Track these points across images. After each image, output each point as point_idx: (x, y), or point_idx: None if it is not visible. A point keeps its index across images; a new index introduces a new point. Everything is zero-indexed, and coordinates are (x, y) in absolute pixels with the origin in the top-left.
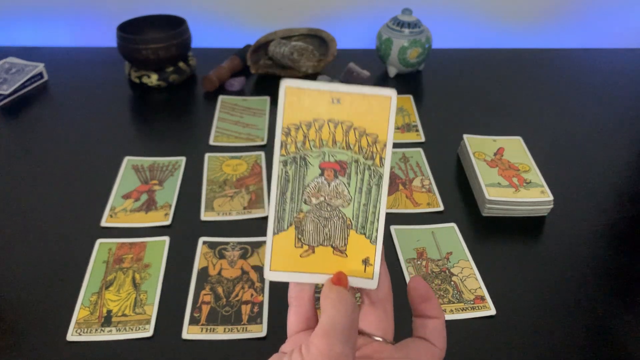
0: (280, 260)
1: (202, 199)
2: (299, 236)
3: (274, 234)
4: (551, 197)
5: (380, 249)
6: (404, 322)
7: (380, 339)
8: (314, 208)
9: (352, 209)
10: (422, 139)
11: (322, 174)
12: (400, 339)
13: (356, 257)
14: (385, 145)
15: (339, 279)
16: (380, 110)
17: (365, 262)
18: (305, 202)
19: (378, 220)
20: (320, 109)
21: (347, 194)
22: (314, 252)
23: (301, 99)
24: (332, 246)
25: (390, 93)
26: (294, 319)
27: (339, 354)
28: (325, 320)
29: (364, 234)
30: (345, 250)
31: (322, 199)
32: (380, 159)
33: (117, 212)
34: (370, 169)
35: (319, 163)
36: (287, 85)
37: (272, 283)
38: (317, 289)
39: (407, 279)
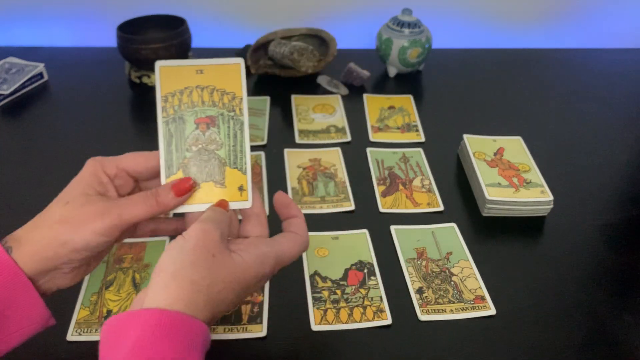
0: None
1: None
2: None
3: (167, 177)
4: (551, 197)
5: (250, 176)
6: None
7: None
8: (195, 154)
9: (225, 151)
10: (422, 139)
11: (197, 128)
12: None
13: (233, 186)
14: (241, 99)
15: (220, 204)
16: (233, 74)
17: (241, 188)
18: (187, 150)
19: (245, 155)
20: (189, 79)
21: (219, 139)
22: (200, 187)
23: (173, 74)
24: (213, 181)
25: (239, 61)
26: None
27: (209, 235)
28: (202, 217)
29: (237, 167)
30: (224, 182)
31: (200, 146)
32: (240, 109)
33: None
34: (233, 118)
35: (193, 119)
36: (160, 66)
37: (272, 284)
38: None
39: (408, 280)
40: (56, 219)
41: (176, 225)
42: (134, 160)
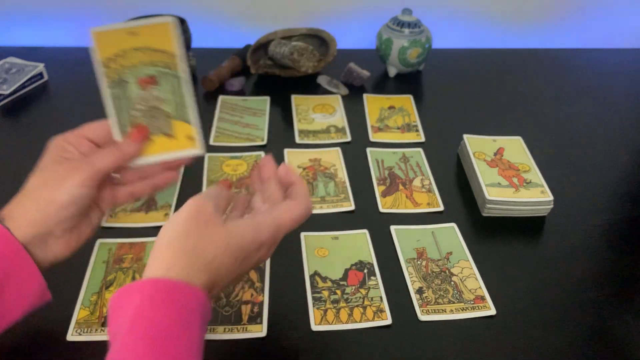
0: None
1: None
2: None
3: (120, 135)
4: (551, 197)
5: (197, 126)
6: None
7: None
8: (143, 112)
9: (170, 106)
10: (422, 139)
11: (141, 88)
12: None
13: (182, 136)
14: (178, 57)
15: (222, 183)
16: (165, 34)
17: (189, 137)
18: (135, 110)
19: (188, 108)
20: (123, 42)
21: (163, 97)
22: (151, 140)
23: (107, 39)
24: (162, 133)
25: (167, 19)
26: None
27: (201, 207)
28: (200, 192)
29: (182, 119)
30: (173, 133)
31: (146, 104)
32: (177, 66)
33: (117, 212)
34: (174, 76)
35: (135, 81)
36: (93, 31)
37: (272, 284)
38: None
39: (408, 280)
40: (37, 185)
41: (172, 175)
42: (90, 126)
